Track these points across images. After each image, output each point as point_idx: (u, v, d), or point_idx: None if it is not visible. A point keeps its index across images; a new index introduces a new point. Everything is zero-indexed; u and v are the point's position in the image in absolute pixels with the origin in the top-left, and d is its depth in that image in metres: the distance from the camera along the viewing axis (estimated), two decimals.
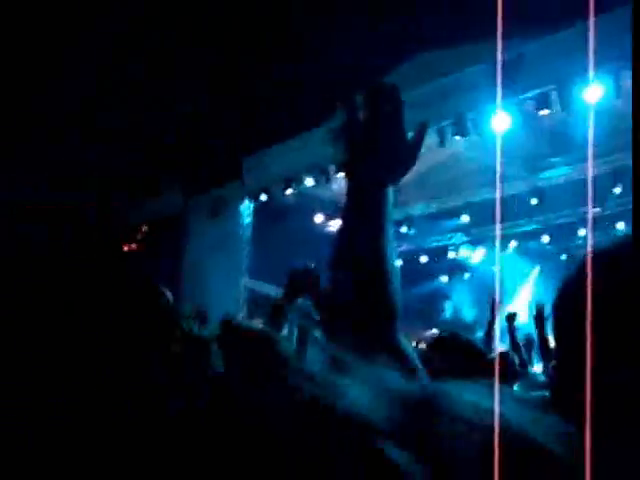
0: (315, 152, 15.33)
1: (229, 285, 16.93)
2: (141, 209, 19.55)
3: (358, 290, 1.38)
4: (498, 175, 14.66)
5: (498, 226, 15.28)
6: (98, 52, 14.25)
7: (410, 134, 1.48)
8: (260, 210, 17.41)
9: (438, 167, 16.66)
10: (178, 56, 14.68)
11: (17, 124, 14.69)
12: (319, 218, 18.42)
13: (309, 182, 15.97)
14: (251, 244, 17.44)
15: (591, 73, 11.66)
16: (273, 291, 18.95)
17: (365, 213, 1.43)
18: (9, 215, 14.10)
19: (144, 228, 19.95)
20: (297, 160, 15.72)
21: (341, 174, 15.49)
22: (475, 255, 20.34)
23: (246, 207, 17.49)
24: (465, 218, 17.46)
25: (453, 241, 19.73)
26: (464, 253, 20.44)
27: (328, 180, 15.72)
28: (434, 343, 4.17)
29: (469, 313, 21.44)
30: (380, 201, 1.43)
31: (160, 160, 16.65)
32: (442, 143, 14.03)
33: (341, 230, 1.52)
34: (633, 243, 1.16)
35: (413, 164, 1.49)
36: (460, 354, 3.65)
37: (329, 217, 18.94)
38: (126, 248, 20.13)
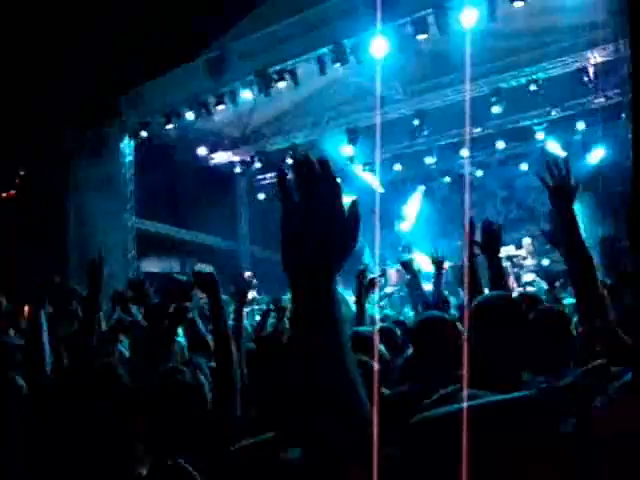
0: (194, 85, 15.11)
1: (115, 226, 16.60)
2: (17, 152, 18.83)
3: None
4: (378, 99, 14.82)
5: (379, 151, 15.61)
6: None
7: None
8: (142, 147, 17.00)
9: (319, 94, 16.63)
10: None
11: None
12: (202, 151, 18.23)
13: (190, 116, 15.73)
14: (136, 183, 17.09)
15: None
16: (162, 229, 19.02)
17: (316, 311, 1.24)
18: None
19: (21, 172, 19.25)
20: (176, 94, 15.42)
21: (221, 107, 15.33)
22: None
23: (127, 145, 17.05)
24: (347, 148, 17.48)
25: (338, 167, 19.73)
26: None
27: (209, 112, 15.57)
28: None
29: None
30: (330, 294, 1.25)
31: (37, 101, 15.94)
32: (322, 71, 13.98)
33: (293, 338, 1.37)
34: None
35: (354, 244, 1.30)
36: None
37: (212, 149, 18.77)
38: (4, 195, 19.41)
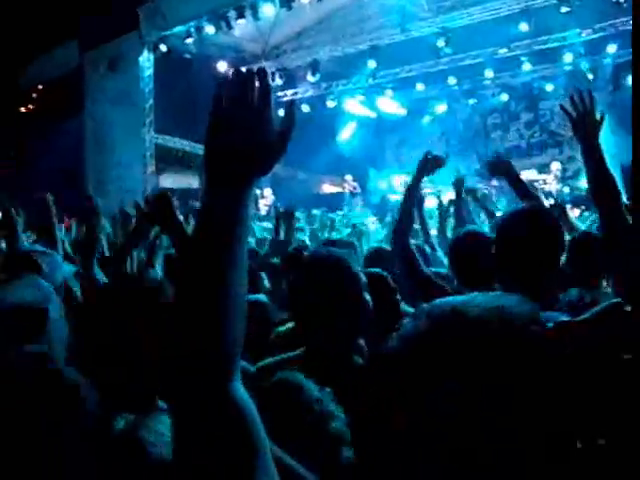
0: None
1: (134, 141, 16.54)
2: (35, 68, 18.74)
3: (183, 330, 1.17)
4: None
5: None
6: None
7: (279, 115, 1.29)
8: (161, 62, 16.78)
9: (342, 9, 16.26)
10: None
11: None
12: (222, 66, 17.93)
13: (210, 29, 15.43)
14: (155, 97, 16.94)
15: None
16: (181, 144, 18.92)
17: (220, 217, 1.20)
18: None
19: (39, 87, 19.18)
20: (196, 7, 15.10)
21: (242, 21, 15.04)
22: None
23: (146, 59, 16.83)
24: (371, 63, 17.17)
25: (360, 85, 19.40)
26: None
27: (229, 26, 15.27)
28: None
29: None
30: (239, 200, 1.21)
31: (52, 14, 15.73)
32: None
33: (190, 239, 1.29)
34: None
35: (284, 151, 1.27)
36: None
37: (232, 64, 18.49)
38: (23, 110, 19.38)
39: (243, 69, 1.28)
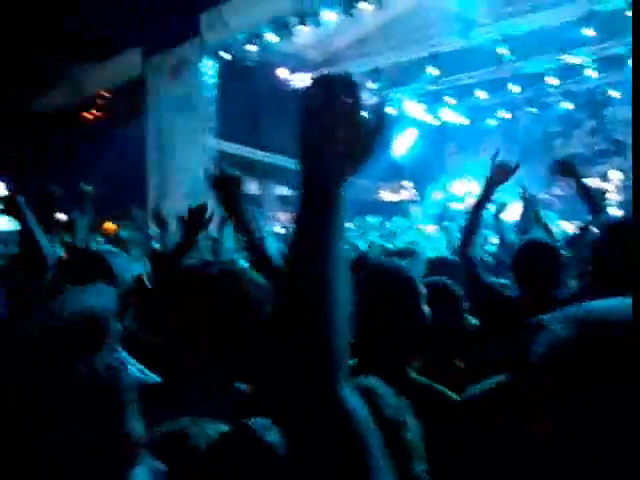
0: (275, 5, 14.90)
1: (195, 147, 16.74)
2: (98, 74, 19.10)
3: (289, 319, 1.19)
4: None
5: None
6: None
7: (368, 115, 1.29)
8: (222, 68, 16.96)
9: (403, 17, 16.21)
10: None
11: None
12: (283, 73, 18.04)
13: (271, 37, 15.53)
14: (216, 104, 17.12)
15: None
16: (242, 151, 19.07)
17: (317, 216, 1.22)
18: None
19: (103, 93, 19.54)
20: (257, 14, 15.21)
21: (302, 28, 15.10)
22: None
23: (207, 66, 17.02)
24: (432, 70, 17.09)
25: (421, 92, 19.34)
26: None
27: (290, 34, 15.35)
28: None
29: None
30: (335, 201, 1.23)
31: (116, 20, 16.01)
32: None
33: (290, 242, 1.28)
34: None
35: (373, 150, 1.30)
36: None
37: (293, 71, 18.58)
38: (86, 115, 19.77)
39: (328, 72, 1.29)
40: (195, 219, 3.31)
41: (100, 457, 0.95)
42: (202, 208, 3.75)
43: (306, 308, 1.17)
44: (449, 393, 2.50)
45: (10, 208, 3.41)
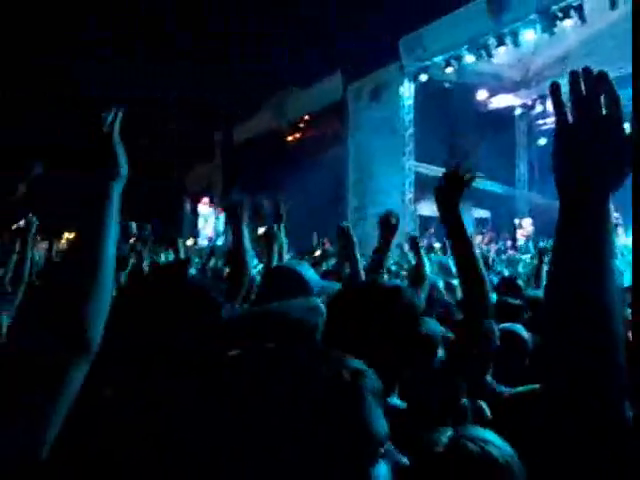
0: (473, 27, 14.81)
1: (394, 168, 16.98)
2: (302, 99, 19.86)
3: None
4: None
5: None
6: None
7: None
8: (421, 91, 17.11)
9: (608, 31, 15.63)
10: None
11: None
12: (482, 94, 17.91)
13: (469, 59, 15.51)
14: (414, 126, 17.29)
15: None
16: (439, 173, 18.95)
17: (585, 237, 1.13)
18: None
19: (306, 117, 20.31)
20: (455, 37, 15.25)
21: (501, 49, 14.87)
22: None
23: (406, 89, 17.24)
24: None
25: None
26: None
27: (489, 55, 15.23)
28: None
29: None
30: (603, 219, 1.14)
31: (319, 48, 16.67)
32: (613, 5, 13.09)
33: (555, 262, 1.19)
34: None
35: (629, 168, 1.15)
36: None
37: (492, 93, 18.40)
38: (291, 138, 20.64)
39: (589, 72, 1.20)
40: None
41: (345, 457, 0.91)
42: (392, 214, 3.77)
43: (594, 334, 1.10)
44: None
45: (235, 219, 3.55)
